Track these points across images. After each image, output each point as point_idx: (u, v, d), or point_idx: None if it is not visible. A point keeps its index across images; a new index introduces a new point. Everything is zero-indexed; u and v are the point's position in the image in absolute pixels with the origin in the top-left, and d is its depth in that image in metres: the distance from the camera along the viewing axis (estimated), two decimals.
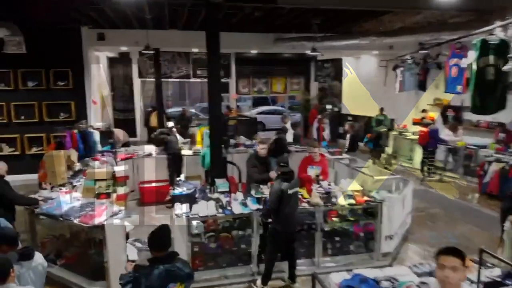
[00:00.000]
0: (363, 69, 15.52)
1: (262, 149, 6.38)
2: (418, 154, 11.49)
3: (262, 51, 14.17)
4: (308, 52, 10.94)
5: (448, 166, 11.35)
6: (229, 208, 5.09)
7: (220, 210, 5.07)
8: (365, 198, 5.62)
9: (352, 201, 5.50)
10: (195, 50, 14.69)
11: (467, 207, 8.61)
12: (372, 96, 14.78)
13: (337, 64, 16.88)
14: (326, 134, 11.85)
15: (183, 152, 9.33)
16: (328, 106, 16.58)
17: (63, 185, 6.18)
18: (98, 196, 6.43)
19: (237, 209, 5.15)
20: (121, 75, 16.62)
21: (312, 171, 6.41)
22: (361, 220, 5.82)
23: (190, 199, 5.24)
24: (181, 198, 5.25)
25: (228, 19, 9.77)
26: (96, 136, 9.57)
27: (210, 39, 6.54)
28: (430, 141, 10.52)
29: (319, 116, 12.25)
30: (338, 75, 16.91)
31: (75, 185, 6.44)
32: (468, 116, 12.13)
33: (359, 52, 14.11)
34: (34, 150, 10.32)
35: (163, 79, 16.90)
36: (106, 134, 10.29)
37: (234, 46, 12.52)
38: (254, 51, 14.55)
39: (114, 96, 16.45)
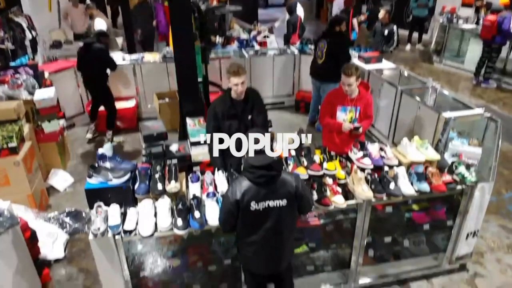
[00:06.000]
0: None
1: (237, 86, 3.16)
2: (474, 50, 8.57)
3: None
4: None
5: (509, 69, 8.66)
6: (197, 216, 2.58)
7: (180, 222, 2.54)
8: (446, 177, 3.10)
9: (425, 188, 3.00)
10: None
11: None
12: None
13: None
14: (355, 22, 8.57)
15: (147, 57, 6.57)
16: None
17: None
18: None
19: (215, 212, 2.59)
20: None
21: (344, 116, 3.80)
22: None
23: (123, 195, 2.74)
24: (107, 194, 2.72)
25: None
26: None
27: None
28: (497, 35, 7.57)
29: None
30: None
31: None
32: None
33: None
34: None
35: None
36: None
37: None
38: None
39: None
